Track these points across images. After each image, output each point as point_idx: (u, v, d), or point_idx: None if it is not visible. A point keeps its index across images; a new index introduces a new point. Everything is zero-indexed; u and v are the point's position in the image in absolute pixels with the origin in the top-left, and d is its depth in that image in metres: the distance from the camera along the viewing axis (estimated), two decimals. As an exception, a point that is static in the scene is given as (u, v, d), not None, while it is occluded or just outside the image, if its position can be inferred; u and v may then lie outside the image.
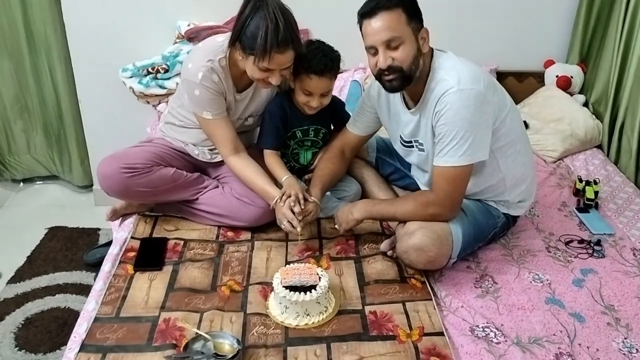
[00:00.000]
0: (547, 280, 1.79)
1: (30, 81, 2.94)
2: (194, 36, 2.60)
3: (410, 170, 2.11)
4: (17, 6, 2.75)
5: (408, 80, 1.69)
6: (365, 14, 1.67)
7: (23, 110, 3.02)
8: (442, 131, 1.67)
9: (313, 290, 1.57)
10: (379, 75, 1.72)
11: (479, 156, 1.69)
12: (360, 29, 1.72)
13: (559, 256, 1.91)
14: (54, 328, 2.17)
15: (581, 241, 1.98)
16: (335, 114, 2.14)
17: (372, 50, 1.69)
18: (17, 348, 2.08)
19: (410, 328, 1.56)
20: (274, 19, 1.72)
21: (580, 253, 1.92)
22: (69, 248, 2.66)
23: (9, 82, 2.94)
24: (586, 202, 2.19)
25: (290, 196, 1.83)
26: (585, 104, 2.77)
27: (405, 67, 1.66)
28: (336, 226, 1.90)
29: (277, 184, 1.95)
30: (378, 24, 1.64)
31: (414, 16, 1.67)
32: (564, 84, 2.74)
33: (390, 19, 1.63)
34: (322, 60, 1.88)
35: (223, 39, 1.91)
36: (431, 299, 1.67)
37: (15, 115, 3.02)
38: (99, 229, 2.79)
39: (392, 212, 1.81)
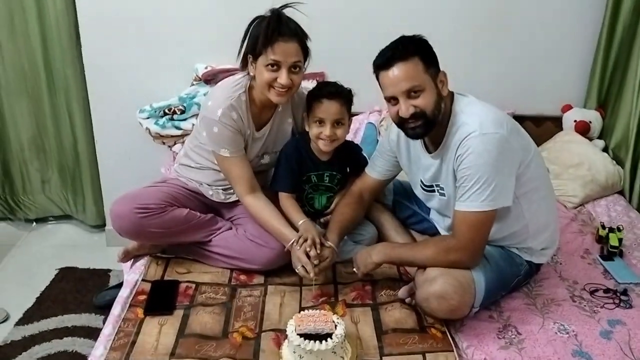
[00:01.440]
0: (573, 331, 1.71)
1: (48, 122, 2.96)
2: (210, 78, 2.62)
3: (429, 214, 2.06)
4: (38, 47, 2.80)
5: (432, 126, 1.68)
6: (381, 65, 1.67)
7: (39, 150, 3.04)
8: (464, 175, 1.63)
9: (329, 339, 1.51)
10: (402, 123, 1.71)
11: (502, 202, 1.65)
12: (377, 79, 1.72)
13: (585, 306, 1.83)
14: (60, 373, 2.12)
15: (607, 290, 1.90)
16: (351, 159, 2.13)
17: (393, 100, 1.69)
18: (22, 393, 2.02)
19: (431, 381, 1.49)
20: (276, 14, 1.80)
21: (607, 303, 1.85)
22: (79, 289, 2.62)
23: (27, 122, 2.97)
24: (610, 249, 2.12)
25: (306, 240, 1.80)
26: (605, 149, 2.73)
27: (428, 112, 1.66)
28: (354, 269, 1.85)
29: (293, 227, 1.91)
30: (396, 74, 1.64)
31: (431, 62, 1.66)
32: (583, 128, 2.70)
33: (407, 69, 1.63)
34: (333, 86, 1.94)
35: (241, 76, 1.93)
36: (452, 350, 1.60)
37: (31, 155, 3.04)
38: (109, 271, 2.75)
39: (411, 257, 1.77)
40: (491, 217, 1.66)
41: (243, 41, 1.88)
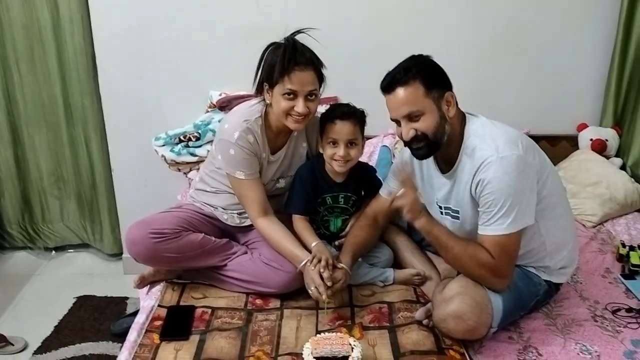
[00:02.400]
0: (596, 352, 1.67)
1: (67, 152, 3.01)
2: (225, 105, 2.65)
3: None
4: (56, 81, 2.86)
5: (435, 147, 1.69)
6: (384, 89, 1.71)
7: (59, 179, 3.08)
8: (488, 201, 1.63)
9: (345, 362, 1.49)
10: (407, 144, 1.74)
11: (526, 221, 1.64)
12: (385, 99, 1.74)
13: (607, 326, 1.79)
14: (77, 402, 2.11)
15: (629, 310, 1.86)
16: (366, 180, 2.13)
17: (396, 122, 1.72)
18: (40, 422, 2.02)
19: (450, 404, 1.46)
20: (291, 43, 1.82)
21: (630, 322, 1.81)
22: (97, 318, 2.63)
23: (46, 153, 3.02)
24: (632, 268, 2.08)
25: (320, 261, 1.79)
26: (623, 167, 2.70)
27: (429, 135, 1.67)
28: (400, 204, 1.73)
29: (306, 248, 1.90)
30: (396, 99, 1.67)
31: (434, 84, 1.67)
32: (599, 147, 2.68)
33: (407, 94, 1.65)
34: (346, 107, 1.96)
35: (257, 102, 1.95)
36: (471, 372, 1.57)
37: (51, 185, 3.09)
38: (127, 298, 2.76)
39: (445, 244, 1.71)
40: (519, 238, 1.66)
41: (258, 68, 1.90)
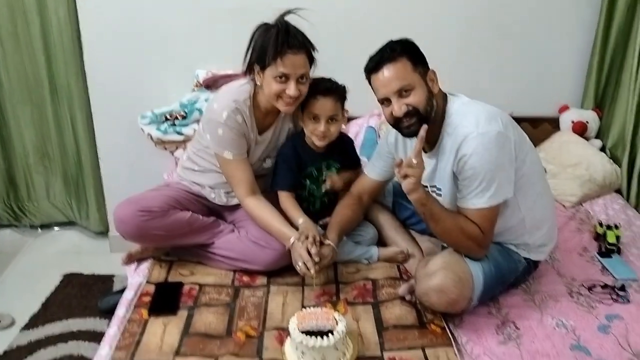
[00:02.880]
0: (572, 326, 1.74)
1: (52, 129, 3.00)
2: (211, 84, 2.65)
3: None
4: (41, 58, 2.83)
5: (425, 122, 1.71)
6: (371, 69, 1.73)
7: (44, 157, 3.07)
8: (468, 176, 1.67)
9: (330, 335, 1.53)
10: (396, 123, 1.75)
11: (505, 194, 1.69)
12: (370, 84, 1.77)
13: (583, 302, 1.86)
14: (66, 376, 2.14)
15: (604, 286, 1.93)
16: (344, 152, 2.15)
17: (385, 102, 1.74)
18: (29, 396, 2.04)
19: (431, 375, 1.51)
20: (284, 25, 1.82)
21: (604, 298, 1.87)
22: (84, 295, 2.64)
23: (31, 131, 3.00)
24: (608, 246, 2.15)
25: (307, 237, 1.82)
26: (602, 149, 2.76)
27: (421, 109, 1.70)
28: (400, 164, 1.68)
29: (293, 226, 1.93)
30: (386, 76, 1.69)
31: (419, 61, 1.72)
32: (580, 129, 2.73)
33: (396, 69, 1.68)
34: (327, 82, 1.97)
35: (245, 82, 1.96)
36: (452, 345, 1.63)
37: (36, 162, 3.07)
38: (113, 276, 2.77)
39: (437, 216, 1.72)
40: (498, 210, 1.72)
41: (248, 49, 1.90)
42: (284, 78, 1.84)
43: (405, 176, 1.64)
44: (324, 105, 1.94)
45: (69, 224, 3.24)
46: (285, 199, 2.03)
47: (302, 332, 1.55)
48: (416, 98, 1.69)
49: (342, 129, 2.10)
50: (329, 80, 1.99)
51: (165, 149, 2.69)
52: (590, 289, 1.92)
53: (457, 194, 1.74)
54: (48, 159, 3.09)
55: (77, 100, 2.88)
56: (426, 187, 1.87)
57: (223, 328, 1.72)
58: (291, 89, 1.84)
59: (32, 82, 2.91)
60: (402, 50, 1.70)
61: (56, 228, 3.24)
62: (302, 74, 1.86)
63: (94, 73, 2.75)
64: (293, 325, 1.58)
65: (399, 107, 1.70)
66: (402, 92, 1.69)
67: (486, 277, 1.72)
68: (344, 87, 1.99)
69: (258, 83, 1.92)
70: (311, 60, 1.89)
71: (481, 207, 1.68)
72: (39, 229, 3.21)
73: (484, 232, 1.70)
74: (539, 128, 2.84)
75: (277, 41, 1.80)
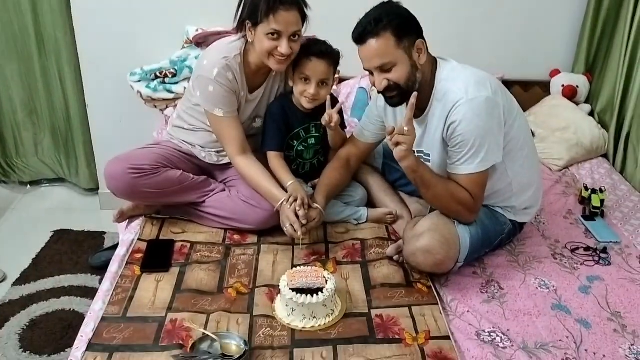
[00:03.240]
0: (554, 286, 1.79)
1: (40, 85, 2.96)
2: (202, 41, 2.61)
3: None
4: (28, 11, 2.77)
5: (407, 95, 1.71)
6: (356, 40, 1.71)
7: (32, 113, 3.04)
8: (458, 142, 1.69)
9: (320, 293, 1.57)
10: (381, 93, 1.76)
11: (494, 159, 1.71)
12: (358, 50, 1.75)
13: (565, 263, 1.91)
14: (58, 330, 2.17)
15: (587, 249, 1.98)
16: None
17: (369, 72, 1.74)
18: (22, 349, 2.07)
19: (417, 332, 1.56)
20: None
21: (587, 260, 1.92)
22: (75, 251, 2.66)
23: (18, 85, 2.96)
24: (592, 210, 2.19)
25: (296, 199, 1.84)
26: (591, 114, 2.78)
27: (402, 84, 1.70)
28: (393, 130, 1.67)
29: (282, 187, 1.94)
30: (368, 50, 1.68)
31: (405, 34, 1.68)
32: (570, 93, 2.75)
33: (378, 45, 1.66)
34: (323, 45, 1.95)
35: (236, 38, 1.94)
36: (437, 304, 1.68)
37: (24, 118, 3.04)
38: (104, 233, 2.79)
39: (428, 182, 1.73)
40: (487, 174, 1.74)
41: (240, 4, 1.88)
42: (276, 35, 1.82)
43: (397, 144, 1.65)
44: (316, 67, 1.93)
45: (58, 180, 3.23)
46: (274, 159, 2.03)
47: (292, 290, 1.58)
48: (397, 74, 1.68)
49: (333, 90, 2.09)
50: (324, 43, 1.97)
51: (155, 107, 2.67)
52: (573, 251, 1.97)
53: (447, 161, 1.76)
54: (36, 115, 3.06)
55: (66, 54, 2.84)
56: (414, 152, 1.89)
57: (214, 285, 1.75)
58: (283, 47, 1.82)
59: (18, 35, 2.85)
60: (388, 23, 1.65)
61: (45, 184, 3.23)
62: (295, 32, 1.84)
63: (82, 27, 2.71)
64: (284, 283, 1.62)
65: (379, 82, 1.70)
66: (383, 68, 1.69)
67: (472, 239, 1.76)
68: (339, 52, 1.97)
69: (249, 40, 1.90)
70: (304, 18, 1.87)
71: (471, 173, 1.70)
72: (28, 186, 3.21)
73: (474, 198, 1.73)
74: (529, 91, 2.85)
75: None
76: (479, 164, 1.69)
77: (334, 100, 2.18)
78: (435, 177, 1.75)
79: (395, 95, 1.72)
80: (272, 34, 1.81)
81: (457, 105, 1.66)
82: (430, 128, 1.79)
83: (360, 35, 1.68)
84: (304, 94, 1.97)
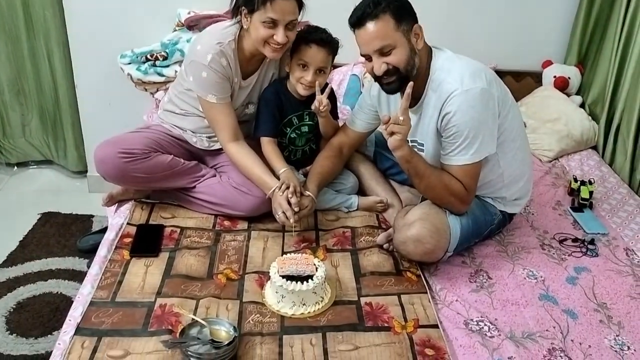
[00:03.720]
0: (541, 277, 1.81)
1: (28, 65, 2.91)
2: (193, 24, 2.58)
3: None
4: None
5: (406, 80, 1.70)
6: (354, 24, 1.70)
7: (19, 93, 3.00)
8: (453, 133, 1.69)
9: (310, 280, 1.58)
10: (377, 79, 1.75)
11: (488, 150, 1.72)
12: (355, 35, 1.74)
13: (553, 254, 1.92)
14: (46, 313, 2.16)
15: (575, 240, 1.99)
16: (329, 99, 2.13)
17: (367, 57, 1.72)
18: (9, 332, 2.07)
19: (406, 320, 1.57)
20: None
21: (574, 251, 1.94)
22: (62, 234, 2.64)
23: (5, 65, 2.91)
24: (581, 201, 2.21)
25: (288, 187, 1.84)
26: (582, 105, 2.79)
27: (401, 68, 1.69)
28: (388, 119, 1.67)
29: (274, 174, 1.94)
30: (368, 33, 1.67)
31: (403, 17, 1.67)
32: (562, 84, 2.75)
33: (378, 28, 1.65)
34: (324, 33, 1.95)
35: (230, 24, 1.92)
36: (426, 292, 1.69)
37: (11, 98, 3.00)
38: (92, 216, 2.77)
39: (422, 173, 1.73)
40: (480, 166, 1.74)
41: None
42: (273, 24, 1.80)
43: (392, 133, 1.65)
44: (316, 55, 1.92)
45: (45, 162, 3.20)
46: (268, 145, 2.01)
47: (283, 277, 1.58)
48: (397, 57, 1.67)
49: None
50: (325, 31, 1.96)
51: (146, 90, 2.64)
52: (561, 242, 1.99)
53: (441, 151, 1.76)
54: (24, 95, 3.01)
55: (54, 34, 2.80)
56: (408, 141, 1.89)
57: (204, 270, 1.75)
58: (279, 35, 1.81)
59: (6, 13, 2.80)
60: (386, 5, 1.65)
61: (33, 166, 3.20)
62: (291, 20, 1.82)
63: (71, 8, 2.67)
64: (274, 269, 1.62)
65: (378, 66, 1.69)
66: (382, 51, 1.67)
67: (463, 229, 1.77)
68: (338, 41, 1.96)
69: (245, 27, 1.88)
70: (300, 6, 1.85)
71: (464, 164, 1.70)
72: (15, 167, 3.17)
73: (467, 189, 1.73)
74: (522, 82, 2.86)
75: None
76: (472, 155, 1.69)
77: (331, 89, 2.17)
78: (429, 168, 1.75)
79: (393, 80, 1.71)
80: (269, 22, 1.79)
81: (452, 96, 1.66)
82: (424, 117, 1.78)
83: (359, 18, 1.67)
84: (300, 81, 1.96)
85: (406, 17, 1.68)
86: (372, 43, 1.67)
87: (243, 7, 1.84)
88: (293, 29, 1.85)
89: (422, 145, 1.84)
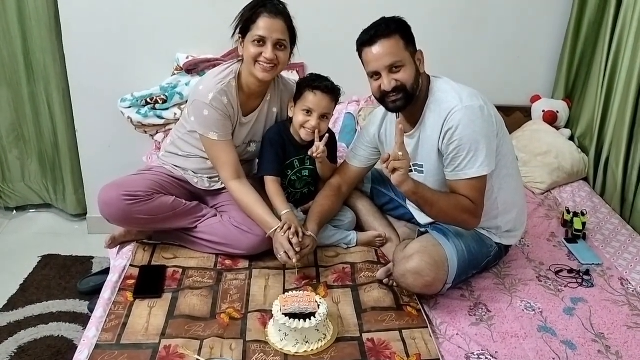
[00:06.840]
0: (539, 308, 1.83)
1: (28, 110, 2.96)
2: (192, 68, 2.66)
3: (406, 201, 2.15)
4: (17, 36, 2.79)
5: (410, 99, 1.79)
6: (365, 43, 1.79)
7: (19, 138, 3.04)
8: (456, 147, 1.75)
9: (312, 318, 1.59)
10: (383, 97, 1.82)
11: (492, 165, 1.78)
12: (360, 57, 1.83)
13: (550, 285, 1.95)
14: (47, 357, 2.15)
15: (570, 271, 2.03)
16: (330, 144, 2.18)
17: (375, 75, 1.80)
18: (11, 377, 2.06)
19: (408, 355, 1.59)
20: None
21: (570, 282, 1.97)
22: (63, 276, 2.65)
23: (6, 110, 2.96)
24: (574, 232, 2.24)
25: (290, 228, 1.87)
26: (571, 138, 2.85)
27: (408, 86, 1.77)
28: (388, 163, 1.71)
29: (276, 214, 1.97)
30: (379, 50, 1.76)
31: (410, 41, 1.80)
32: (550, 118, 2.83)
33: (390, 45, 1.75)
34: (329, 82, 2.02)
35: (231, 63, 2.02)
36: (427, 327, 1.71)
37: (11, 143, 3.04)
38: (92, 258, 2.77)
39: (430, 200, 1.79)
40: (486, 181, 1.79)
41: (235, 23, 1.96)
42: (262, 42, 1.89)
43: (394, 170, 1.70)
44: (321, 101, 1.99)
45: (44, 205, 3.22)
46: (272, 184, 2.05)
47: (285, 315, 1.60)
48: (405, 75, 1.76)
49: None
50: (327, 79, 2.04)
51: (146, 132, 2.70)
52: (557, 273, 2.02)
53: (446, 170, 1.81)
54: (23, 140, 3.06)
55: (54, 80, 2.86)
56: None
57: (207, 310, 1.76)
58: (268, 52, 1.88)
59: (7, 60, 2.86)
60: (396, 28, 1.77)
61: (32, 210, 3.22)
62: (280, 40, 1.90)
63: (72, 54, 2.73)
64: (276, 307, 1.64)
65: (388, 82, 1.77)
66: (392, 68, 1.76)
67: (460, 261, 1.80)
68: (340, 88, 2.05)
69: (240, 53, 1.97)
70: (291, 30, 1.94)
71: (472, 177, 1.75)
72: (14, 211, 3.19)
73: (475, 203, 1.78)
74: (511, 116, 2.92)
75: (256, 5, 1.89)
76: (480, 168, 1.75)
77: (331, 134, 2.23)
78: (436, 194, 1.80)
79: (400, 97, 1.78)
80: (258, 39, 1.88)
81: (453, 112, 1.74)
82: (423, 139, 1.85)
83: (372, 37, 1.76)
84: (304, 125, 2.02)
85: (412, 41, 1.80)
86: (384, 59, 1.75)
87: (239, 35, 1.94)
88: (284, 50, 1.93)
89: (422, 166, 1.89)
